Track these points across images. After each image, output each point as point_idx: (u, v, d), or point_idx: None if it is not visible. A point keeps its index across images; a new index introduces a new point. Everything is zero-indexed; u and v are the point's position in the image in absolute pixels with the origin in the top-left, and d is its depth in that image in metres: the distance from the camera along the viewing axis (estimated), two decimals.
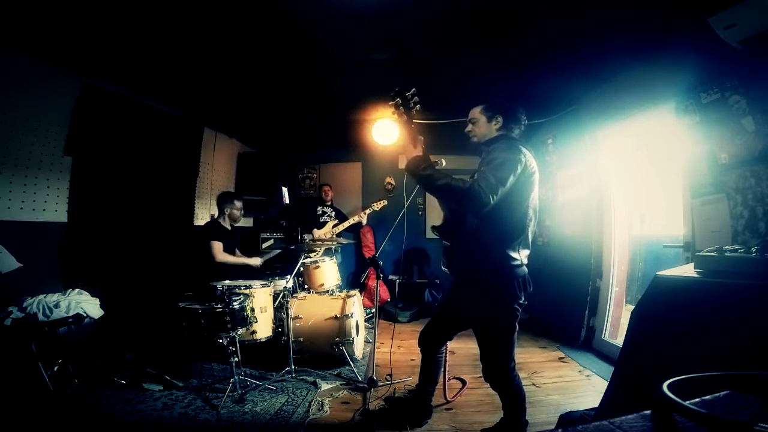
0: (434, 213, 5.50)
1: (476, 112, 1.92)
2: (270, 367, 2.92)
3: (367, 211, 4.53)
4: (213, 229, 3.41)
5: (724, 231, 2.24)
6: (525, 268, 1.77)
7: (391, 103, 1.80)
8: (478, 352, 1.83)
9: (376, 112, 4.18)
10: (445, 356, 2.25)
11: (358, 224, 4.64)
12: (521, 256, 1.75)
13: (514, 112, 1.88)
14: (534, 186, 1.75)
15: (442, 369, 2.27)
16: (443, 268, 1.93)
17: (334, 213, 4.91)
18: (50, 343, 2.34)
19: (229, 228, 3.50)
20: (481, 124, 1.90)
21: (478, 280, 1.77)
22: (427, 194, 4.45)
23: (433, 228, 1.94)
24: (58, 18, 2.26)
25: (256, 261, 3.55)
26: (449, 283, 2.02)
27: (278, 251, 3.79)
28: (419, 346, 2.14)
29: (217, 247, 3.32)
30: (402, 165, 4.93)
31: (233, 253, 3.53)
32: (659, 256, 3.18)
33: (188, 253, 3.85)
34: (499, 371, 1.80)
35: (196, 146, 4.42)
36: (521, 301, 1.75)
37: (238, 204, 3.51)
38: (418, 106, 1.80)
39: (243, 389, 2.47)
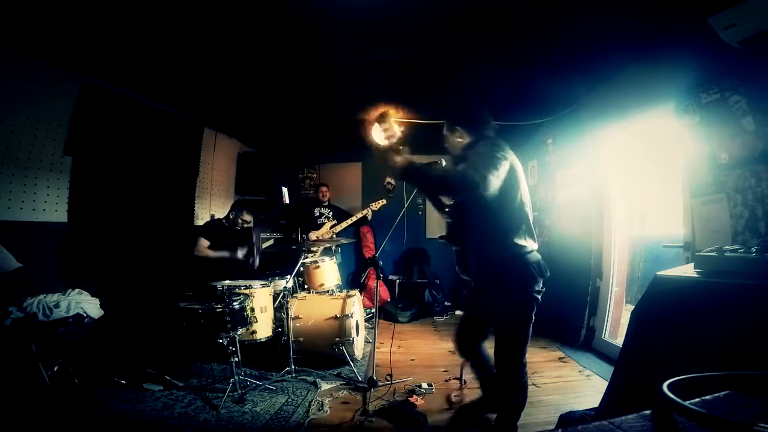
0: (434, 213, 5.45)
1: (444, 131, 2.02)
2: (270, 367, 2.92)
3: (373, 207, 4.44)
4: (205, 227, 3.44)
5: (724, 231, 2.24)
6: (537, 254, 1.80)
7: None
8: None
9: (376, 112, 4.18)
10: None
11: (363, 219, 4.56)
12: (529, 243, 1.78)
13: (473, 116, 1.94)
14: (521, 177, 1.81)
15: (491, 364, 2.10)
16: (460, 275, 1.94)
17: (331, 213, 4.88)
18: (50, 343, 2.33)
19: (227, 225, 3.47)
20: (451, 141, 2.00)
21: (496, 274, 1.80)
22: None
23: (440, 238, 1.98)
24: (57, 18, 2.26)
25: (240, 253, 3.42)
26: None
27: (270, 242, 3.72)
28: (461, 356, 2.13)
29: (203, 243, 3.28)
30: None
31: (234, 251, 3.49)
32: (659, 256, 3.18)
33: (188, 252, 3.85)
34: (513, 366, 1.82)
35: (196, 146, 4.42)
36: (539, 288, 1.77)
37: (248, 217, 3.47)
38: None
39: (243, 389, 2.47)
